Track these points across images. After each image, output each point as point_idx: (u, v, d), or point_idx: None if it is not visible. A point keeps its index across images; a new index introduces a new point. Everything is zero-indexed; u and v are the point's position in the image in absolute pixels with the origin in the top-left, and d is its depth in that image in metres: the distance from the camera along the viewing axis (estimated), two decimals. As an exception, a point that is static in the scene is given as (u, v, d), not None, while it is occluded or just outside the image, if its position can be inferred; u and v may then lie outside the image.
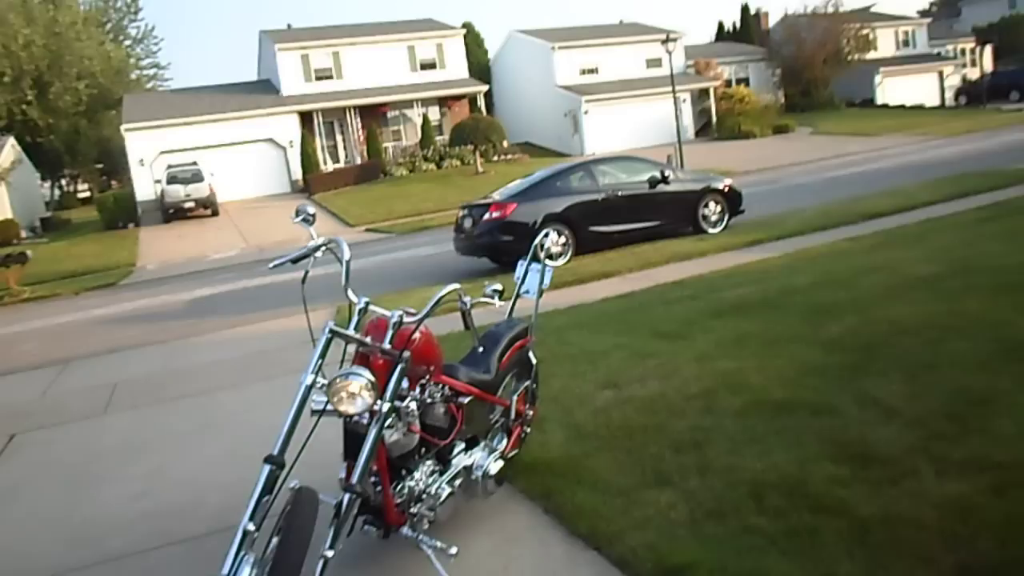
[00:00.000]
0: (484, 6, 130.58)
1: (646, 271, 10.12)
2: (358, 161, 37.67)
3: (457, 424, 3.27)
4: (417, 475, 3.10)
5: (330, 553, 2.59)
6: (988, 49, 53.37)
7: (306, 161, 35.92)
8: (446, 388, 3.23)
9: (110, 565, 3.79)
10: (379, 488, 2.91)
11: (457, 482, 3.30)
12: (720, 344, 5.81)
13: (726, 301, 7.34)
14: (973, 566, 2.66)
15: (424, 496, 3.08)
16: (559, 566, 3.20)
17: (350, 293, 3.00)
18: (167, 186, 30.77)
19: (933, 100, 49.19)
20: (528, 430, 4.10)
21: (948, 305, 5.83)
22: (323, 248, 3.13)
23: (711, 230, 12.86)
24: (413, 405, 2.97)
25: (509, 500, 3.79)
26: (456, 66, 41.44)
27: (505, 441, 3.80)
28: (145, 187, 33.70)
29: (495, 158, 35.70)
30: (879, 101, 47.87)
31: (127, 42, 56.82)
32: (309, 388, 2.74)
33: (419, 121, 38.85)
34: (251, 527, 2.51)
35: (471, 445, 3.52)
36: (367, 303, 3.01)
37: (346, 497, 2.68)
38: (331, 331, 2.81)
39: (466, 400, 3.32)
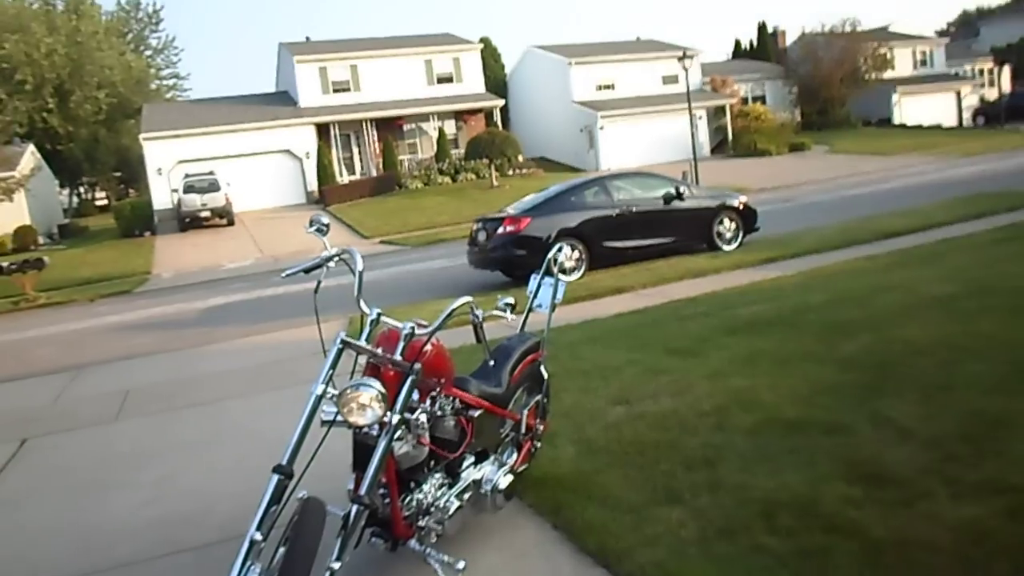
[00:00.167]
0: (501, 21, 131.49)
1: (660, 287, 10.09)
2: (374, 173, 37.85)
3: (467, 437, 3.25)
4: (426, 488, 3.08)
5: (337, 565, 2.58)
6: (1006, 69, 53.09)
7: (322, 172, 36.12)
8: (456, 401, 3.21)
9: (118, 572, 3.79)
10: (387, 500, 2.90)
11: (466, 496, 3.28)
12: (733, 361, 5.78)
13: (740, 318, 7.30)
14: (988, 591, 2.62)
15: (432, 509, 3.06)
16: (567, 582, 3.18)
17: (362, 304, 3.00)
18: (184, 195, 31.01)
19: (950, 120, 49.01)
20: (538, 444, 4.08)
21: (964, 326, 5.78)
22: (336, 258, 3.13)
23: (726, 247, 12.82)
24: (423, 417, 2.95)
25: (518, 515, 3.76)
26: (473, 80, 41.62)
27: (515, 455, 3.78)
28: (162, 196, 33.98)
29: (510, 172, 35.78)
30: (896, 120, 47.75)
31: (148, 52, 57.46)
32: (319, 398, 2.73)
33: (435, 134, 39.02)
34: (258, 536, 2.51)
35: (481, 459, 3.50)
36: (379, 314, 3.01)
37: (354, 509, 2.67)
38: (342, 342, 2.81)
39: (476, 413, 3.30)
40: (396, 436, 2.81)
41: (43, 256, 21.61)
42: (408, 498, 3.00)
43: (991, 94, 52.30)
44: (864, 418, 4.21)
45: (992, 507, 3.09)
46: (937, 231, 11.63)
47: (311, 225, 3.19)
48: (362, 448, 2.86)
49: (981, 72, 56.16)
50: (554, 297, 4.08)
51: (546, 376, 4.08)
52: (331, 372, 2.77)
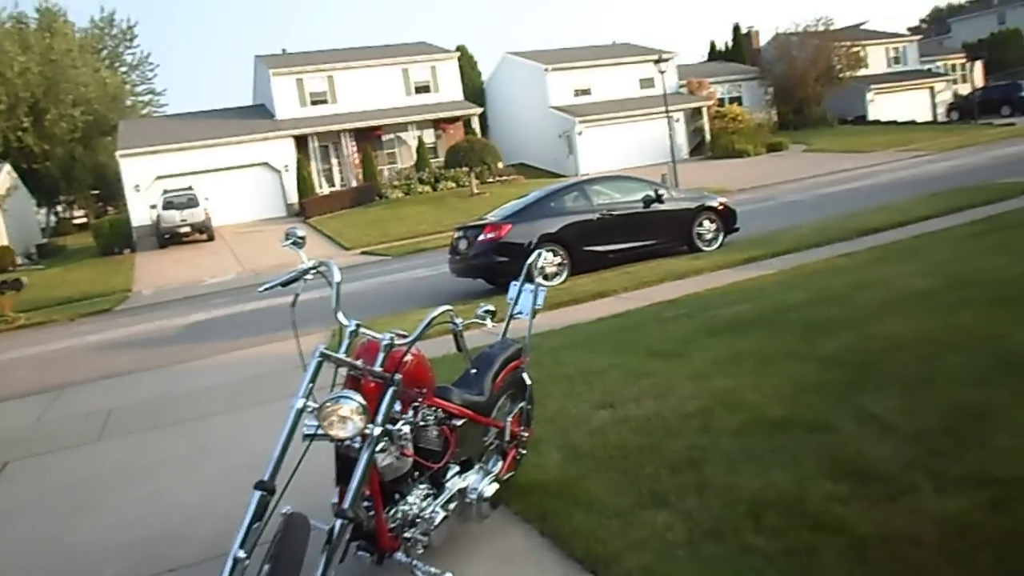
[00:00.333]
0: (477, 29, 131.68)
1: (641, 290, 10.11)
2: (353, 184, 37.79)
3: (451, 447, 3.23)
4: (411, 499, 3.06)
5: (322, 580, 2.56)
6: (978, 65, 53.78)
7: (301, 185, 36.01)
8: (439, 411, 3.19)
9: (102, 594, 3.75)
10: (372, 513, 2.87)
11: (451, 505, 3.26)
12: (716, 362, 5.79)
13: (721, 319, 7.32)
14: (973, 583, 2.63)
15: (418, 520, 3.04)
16: (556, 589, 3.16)
17: (340, 316, 2.98)
18: (163, 211, 30.82)
19: (925, 116, 49.48)
20: (523, 452, 4.07)
21: (944, 320, 5.82)
22: (313, 271, 3.11)
23: (706, 248, 12.88)
24: (406, 428, 2.93)
25: (504, 523, 3.75)
26: (450, 89, 41.65)
27: (500, 463, 3.77)
28: (141, 213, 33.75)
29: (490, 180, 35.81)
30: (871, 118, 48.17)
31: (123, 69, 57.07)
32: (300, 412, 2.71)
33: (414, 144, 39.00)
34: (241, 554, 2.48)
35: (465, 468, 3.49)
36: (358, 326, 2.99)
37: (338, 523, 2.65)
38: (321, 355, 2.79)
39: (460, 422, 3.29)
40: (379, 448, 2.79)
41: (21, 277, 21.40)
42: (393, 510, 2.98)
43: (964, 89, 52.84)
44: (847, 415, 4.23)
45: (976, 499, 3.11)
46: (914, 226, 11.72)
47: (286, 239, 3.17)
48: (345, 461, 2.84)
49: (953, 68, 56.76)
50: (535, 303, 4.07)
51: (529, 382, 4.07)
52: (311, 385, 2.75)
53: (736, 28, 55.64)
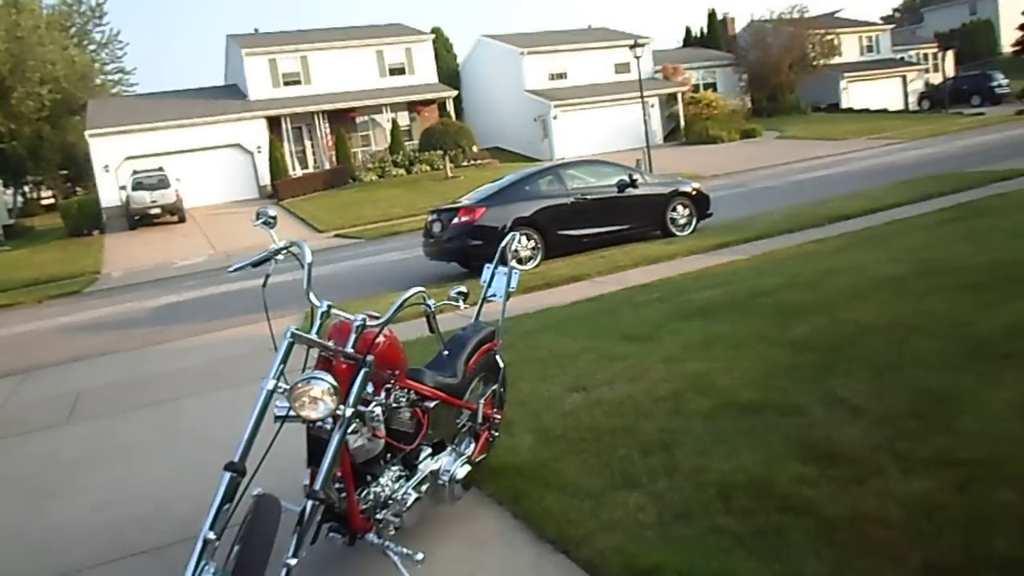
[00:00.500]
0: (453, 11, 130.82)
1: (615, 274, 10.14)
2: (327, 166, 37.48)
3: (423, 429, 3.23)
4: (383, 481, 3.05)
5: (293, 561, 2.54)
6: (950, 54, 54.31)
7: (274, 167, 35.67)
8: (411, 392, 3.19)
9: (70, 577, 3.71)
10: (343, 494, 2.87)
11: (424, 487, 3.25)
12: (688, 346, 5.82)
13: (694, 303, 7.36)
14: (939, 563, 2.67)
15: (390, 502, 3.03)
16: (527, 570, 3.18)
17: (312, 297, 2.96)
18: (132, 192, 30.41)
19: (897, 104, 49.95)
20: (496, 434, 4.07)
21: (913, 305, 5.89)
22: (284, 251, 3.08)
23: (679, 233, 12.94)
24: (378, 410, 2.92)
25: (477, 505, 3.75)
26: (425, 71, 41.40)
27: (472, 445, 3.77)
28: (110, 193, 33.27)
29: (465, 163, 35.70)
30: (844, 105, 48.56)
31: (91, 47, 56.06)
32: (271, 394, 2.69)
33: (388, 126, 38.74)
34: (211, 536, 2.46)
35: (438, 450, 3.48)
36: (329, 307, 2.97)
37: (309, 504, 2.63)
38: (292, 335, 2.76)
39: (432, 404, 3.28)
40: (350, 429, 2.78)
41: (-13, 258, 21.06)
42: (365, 491, 2.97)
43: (935, 79, 53.37)
44: (817, 398, 4.27)
45: (942, 481, 3.16)
46: (885, 213, 11.84)
47: (258, 218, 3.14)
48: (316, 442, 2.83)
49: (926, 57, 57.33)
50: (508, 286, 4.07)
51: (502, 365, 4.07)
52: (282, 367, 2.73)
53: (711, 14, 55.79)
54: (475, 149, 36.92)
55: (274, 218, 3.15)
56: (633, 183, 12.74)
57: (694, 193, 13.41)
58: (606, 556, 3.03)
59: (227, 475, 2.55)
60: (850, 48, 51.43)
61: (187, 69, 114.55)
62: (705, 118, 42.19)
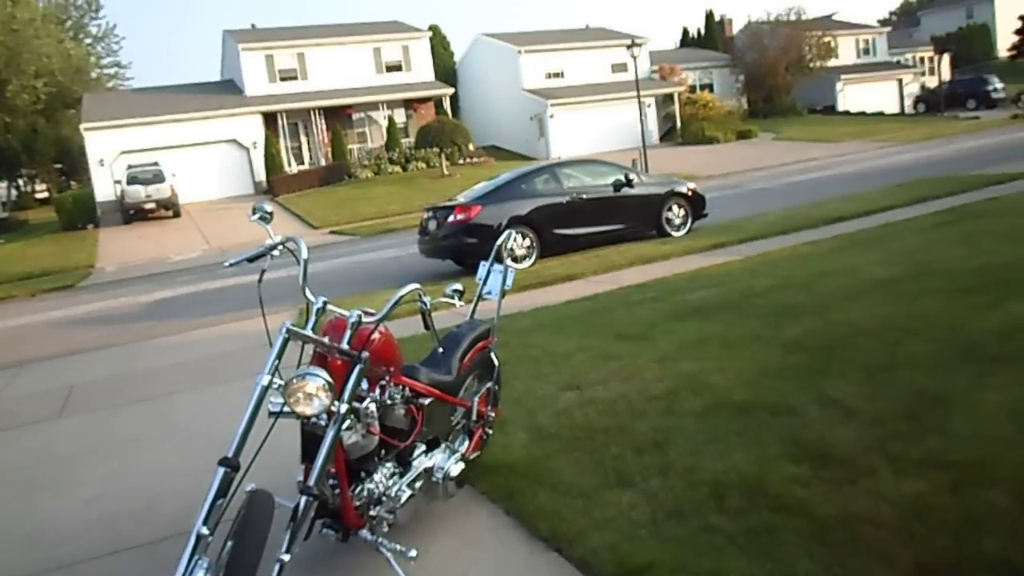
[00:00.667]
0: (450, 9, 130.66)
1: (610, 274, 10.15)
2: (323, 163, 37.44)
3: (417, 426, 3.23)
4: (376, 477, 3.05)
5: (286, 557, 2.54)
6: (946, 58, 54.42)
7: (270, 162, 35.61)
8: (406, 389, 3.19)
9: (64, 572, 3.70)
10: (337, 491, 2.87)
11: (417, 484, 3.26)
12: (682, 346, 5.84)
13: (688, 304, 7.38)
14: (930, 564, 2.68)
15: (384, 498, 3.04)
16: (520, 568, 3.18)
17: (308, 292, 2.96)
18: (127, 187, 30.33)
19: (893, 107, 50.09)
20: (490, 432, 4.08)
21: (906, 307, 5.91)
22: (280, 247, 3.08)
23: (675, 233, 12.95)
24: (372, 406, 2.92)
25: (470, 502, 3.76)
26: (422, 68, 41.37)
27: (466, 443, 3.78)
28: (105, 187, 33.18)
29: (461, 161, 35.69)
30: (840, 108, 48.67)
31: (87, 40, 55.86)
32: (265, 389, 2.68)
33: (384, 123, 38.71)
34: (205, 531, 2.46)
35: (432, 447, 3.49)
36: (325, 303, 2.97)
37: (303, 500, 2.63)
38: (288, 331, 2.76)
39: (426, 401, 3.29)
40: (345, 426, 2.78)
41: (-20, 251, 20.99)
42: (359, 488, 2.98)
43: (931, 82, 53.49)
44: (810, 399, 4.28)
45: (934, 483, 3.17)
46: (880, 216, 11.86)
47: (254, 213, 3.14)
48: (310, 439, 2.83)
49: (922, 60, 57.44)
50: (503, 284, 4.07)
51: (497, 363, 4.08)
52: (277, 362, 2.72)
53: (709, 15, 55.91)
54: (471, 147, 36.90)
55: (270, 214, 3.15)
56: (629, 183, 12.74)
57: (690, 193, 13.42)
58: (599, 554, 3.04)
59: (221, 470, 2.55)
60: (847, 51, 51.54)
61: (183, 64, 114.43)
62: (701, 119, 42.23)
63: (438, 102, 40.98)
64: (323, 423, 2.74)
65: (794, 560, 2.80)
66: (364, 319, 2.88)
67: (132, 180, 30.40)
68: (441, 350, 3.66)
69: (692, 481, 3.52)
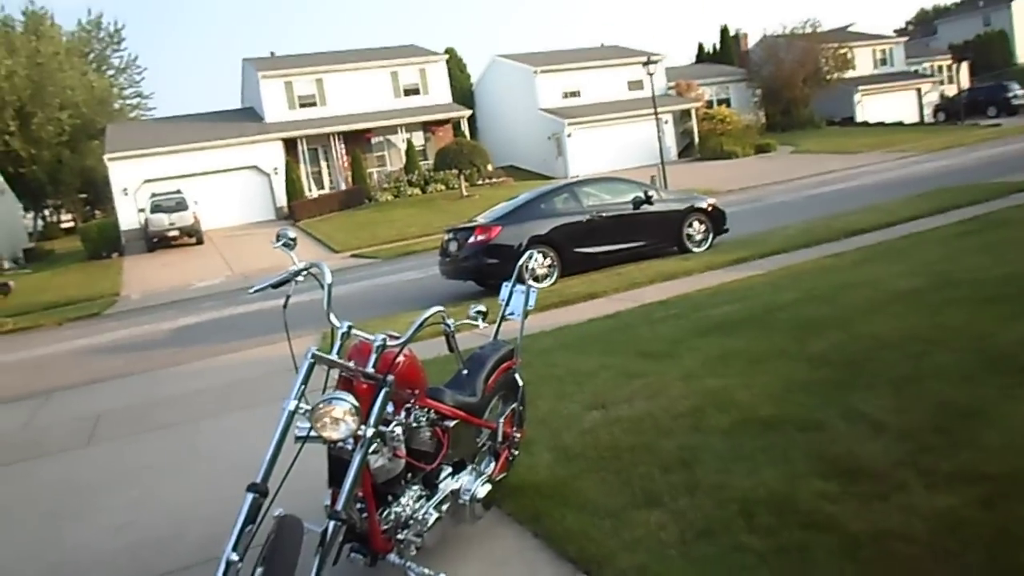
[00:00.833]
0: (467, 32, 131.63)
1: (631, 291, 10.13)
2: (343, 187, 37.69)
3: (443, 448, 3.23)
4: (403, 500, 3.06)
5: (316, 582, 2.55)
6: (964, 66, 54.08)
7: (291, 188, 35.90)
8: (431, 412, 3.19)
9: (92, 599, 3.73)
10: (365, 515, 2.87)
11: (444, 507, 3.25)
12: (706, 362, 5.81)
13: (711, 319, 7.35)
14: (964, 580, 2.64)
15: (411, 522, 3.04)
16: (549, 590, 3.17)
17: (332, 317, 2.98)
18: (151, 215, 30.68)
19: (912, 117, 49.79)
20: (516, 453, 4.07)
21: (931, 319, 5.86)
22: (304, 272, 3.11)
23: (695, 249, 12.91)
24: (398, 430, 2.93)
25: (497, 524, 3.75)
26: (439, 91, 41.64)
27: (492, 464, 3.77)
28: (129, 216, 33.59)
29: (480, 182, 35.81)
30: (859, 119, 48.43)
31: (110, 72, 56.84)
32: (292, 414, 2.70)
33: (403, 146, 38.95)
34: (234, 557, 2.47)
35: (458, 469, 3.49)
36: (349, 327, 2.99)
37: (331, 524, 2.64)
38: (313, 356, 2.78)
39: (452, 423, 3.29)
40: (371, 449, 2.79)
41: (8, 281, 21.30)
42: (386, 511, 2.98)
43: (950, 91, 53.16)
44: (837, 413, 4.25)
45: (966, 497, 3.13)
46: (902, 227, 11.78)
47: (277, 240, 3.17)
48: (337, 463, 2.83)
49: (940, 69, 57.15)
50: (526, 304, 4.08)
51: (521, 384, 4.07)
52: (303, 387, 2.74)
53: (724, 30, 55.86)
54: (490, 168, 37.01)
55: (294, 239, 3.17)
56: (649, 200, 12.74)
57: (710, 209, 13.39)
58: None
59: (249, 496, 2.56)
60: (864, 61, 51.37)
61: (204, 93, 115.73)
62: (719, 133, 42.18)
63: (456, 124, 41.21)
64: (350, 447, 2.75)
65: (826, 578, 2.77)
66: (389, 342, 2.89)
67: (155, 208, 30.76)
68: (465, 372, 3.67)
69: (721, 499, 3.49)
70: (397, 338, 2.93)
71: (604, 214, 12.57)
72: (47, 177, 45.69)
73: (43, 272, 30.20)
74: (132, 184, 34.05)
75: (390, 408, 2.92)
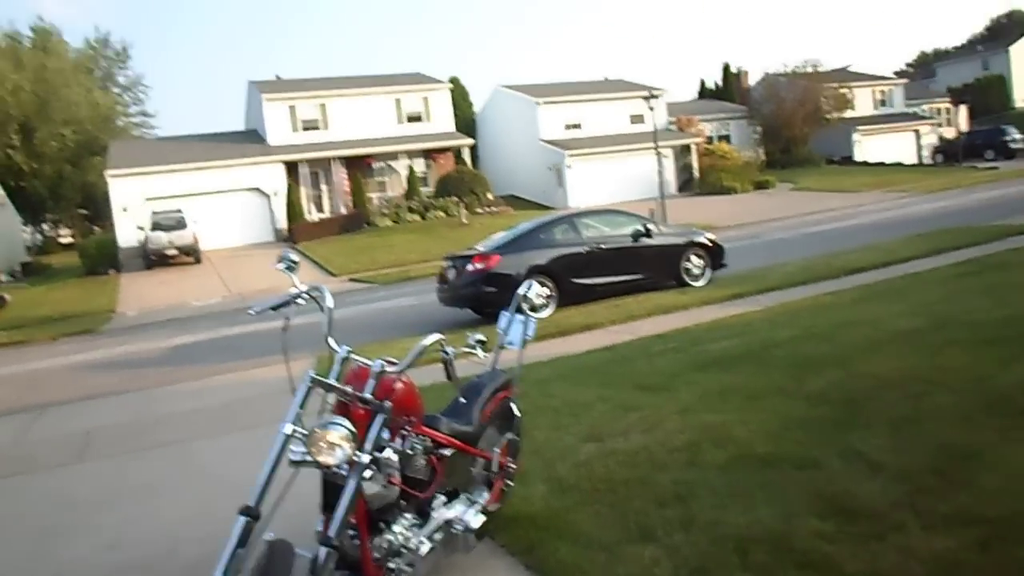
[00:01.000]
0: (470, 61, 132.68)
1: (629, 324, 10.12)
2: (343, 211, 37.76)
3: (438, 476, 3.21)
4: (396, 528, 3.02)
5: (305, 609, 2.52)
6: (963, 109, 54.50)
7: (291, 210, 35.97)
8: (427, 440, 3.17)
9: (77, 620, 3.68)
10: (357, 542, 2.84)
11: (437, 536, 3.23)
12: (703, 397, 5.79)
13: (709, 354, 7.33)
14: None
15: (403, 550, 3.01)
16: (541, 623, 3.13)
17: (331, 342, 2.97)
18: (150, 233, 30.71)
19: (910, 158, 50.09)
20: (510, 483, 4.04)
21: (930, 359, 5.85)
22: (305, 295, 3.10)
23: (694, 283, 12.92)
24: (394, 456, 2.91)
25: (490, 555, 3.71)
26: (442, 119, 41.87)
27: (487, 494, 3.74)
28: (128, 233, 33.57)
29: (479, 210, 35.90)
30: (858, 158, 48.71)
31: (115, 90, 57.25)
32: (288, 438, 2.68)
33: (404, 172, 39.10)
34: (224, 581, 2.44)
35: (452, 498, 3.46)
36: (348, 352, 2.97)
37: (322, 551, 2.61)
38: (312, 380, 2.77)
39: (447, 452, 3.27)
40: (366, 476, 2.76)
41: (4, 294, 21.22)
42: (378, 539, 2.95)
43: (949, 133, 53.55)
44: (834, 452, 4.22)
45: (964, 539, 3.11)
46: (900, 266, 11.81)
47: (280, 262, 3.17)
48: (331, 488, 2.81)
49: (939, 112, 57.64)
50: (525, 334, 4.07)
51: (517, 414, 4.05)
52: (300, 411, 2.73)
53: (726, 68, 56.41)
54: (490, 196, 37.15)
55: (296, 262, 3.17)
56: (648, 233, 12.78)
57: (708, 244, 13.42)
58: (621, 610, 2.99)
59: (242, 519, 2.54)
60: (863, 102, 51.81)
61: (208, 113, 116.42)
62: (719, 169, 42.37)
63: (457, 152, 41.40)
64: (344, 473, 2.72)
65: (822, 619, 2.74)
66: (387, 368, 2.88)
67: (155, 226, 30.79)
68: (462, 400, 3.65)
69: (716, 536, 3.46)
70: (395, 364, 2.91)
71: (603, 246, 12.59)
72: (48, 191, 45.84)
73: (39, 286, 30.13)
74: (132, 201, 34.08)
75: (386, 434, 2.90)
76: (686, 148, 44.35)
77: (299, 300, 3.11)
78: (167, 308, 22.64)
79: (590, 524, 3.80)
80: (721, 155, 44.20)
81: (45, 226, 52.80)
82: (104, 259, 31.94)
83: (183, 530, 4.61)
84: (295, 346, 3.15)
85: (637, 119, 43.07)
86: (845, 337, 7.16)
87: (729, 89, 54.63)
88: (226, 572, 2.46)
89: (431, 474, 3.18)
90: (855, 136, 49.03)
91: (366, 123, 39.53)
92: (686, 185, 43.62)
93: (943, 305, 8.08)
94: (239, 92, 65.86)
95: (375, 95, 40.51)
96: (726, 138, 48.26)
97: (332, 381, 2.83)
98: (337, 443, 2.59)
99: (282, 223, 36.19)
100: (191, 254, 31.12)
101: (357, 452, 2.67)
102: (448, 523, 3.31)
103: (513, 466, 4.02)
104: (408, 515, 3.12)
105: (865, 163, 47.67)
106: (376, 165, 39.64)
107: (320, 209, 38.73)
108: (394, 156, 39.74)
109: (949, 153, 47.57)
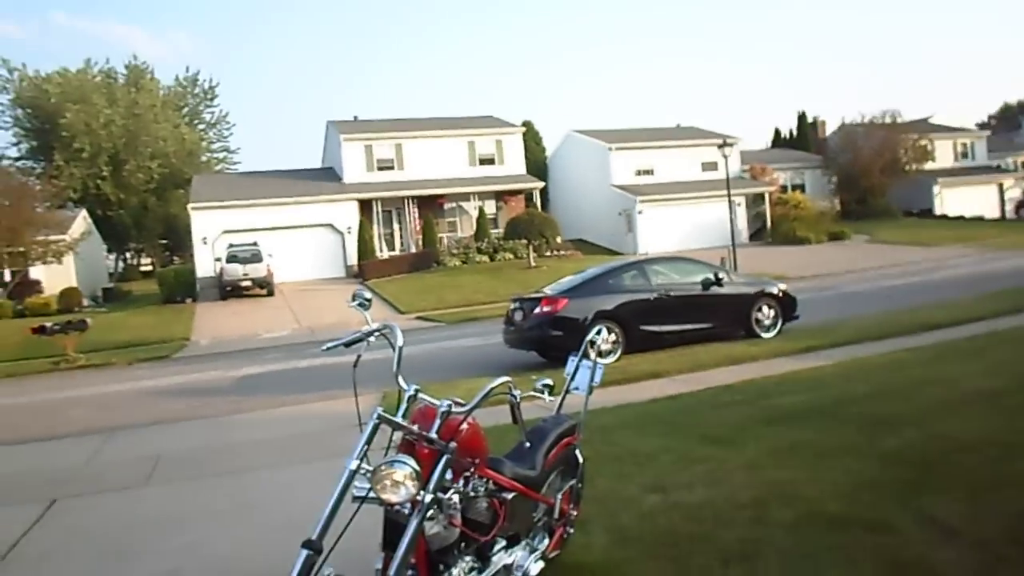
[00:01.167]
0: (544, 106, 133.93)
1: (696, 373, 9.97)
2: (413, 249, 38.32)
3: (499, 520, 3.18)
4: (455, 571, 3.00)
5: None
6: (1049, 162, 52.96)
7: (363, 247, 36.64)
8: (490, 482, 3.15)
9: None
10: (416, 582, 2.83)
11: (495, 580, 3.19)
12: (772, 452, 5.65)
13: (778, 408, 7.18)
14: None
15: (462, 594, 2.98)
16: (597, 677, 3.06)
17: (400, 380, 3.00)
18: (227, 264, 31.59)
19: (992, 212, 48.69)
20: (571, 531, 3.99)
21: (1010, 421, 5.64)
22: (376, 333, 3.14)
23: (764, 335, 12.69)
24: (456, 498, 2.90)
25: (548, 603, 3.65)
26: (514, 162, 42.34)
27: (547, 541, 3.70)
28: (206, 264, 34.64)
29: (548, 253, 36.01)
30: (937, 211, 47.52)
31: (201, 126, 59.37)
32: (353, 473, 2.70)
33: (475, 214, 39.55)
34: (284, 614, 2.46)
35: (512, 543, 3.42)
36: (416, 390, 2.99)
37: (382, 589, 2.61)
38: (379, 417, 2.79)
39: (510, 496, 3.24)
40: (428, 516, 2.76)
41: (86, 318, 21.97)
42: (437, 581, 2.93)
43: (1033, 187, 51.92)
44: (908, 516, 4.08)
45: (1046, 617, 2.96)
46: (980, 324, 11.42)
47: (353, 299, 3.22)
48: (393, 526, 2.81)
49: (1023, 165, 55.93)
50: (592, 380, 4.05)
51: (581, 460, 4.02)
52: (366, 447, 2.75)
53: (801, 116, 55.91)
54: (559, 240, 37.26)
55: (369, 300, 3.22)
56: (718, 281, 12.63)
57: (780, 294, 13.20)
58: (681, 669, 2.91)
59: (304, 552, 2.55)
60: (944, 153, 50.64)
61: (287, 150, 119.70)
62: (792, 219, 41.81)
63: (528, 195, 41.72)
64: (407, 511, 2.73)
65: None
66: (454, 408, 2.89)
67: (231, 258, 31.67)
68: (527, 444, 3.63)
69: (781, 597, 3.36)
70: (462, 405, 2.92)
71: (672, 293, 12.48)
72: (132, 221, 47.63)
73: (119, 312, 31.16)
74: (211, 233, 35.18)
75: (449, 475, 2.90)
76: (759, 196, 43.91)
77: (371, 338, 3.15)
78: (239, 338, 23.15)
79: (651, 577, 3.72)
80: (795, 204, 43.64)
81: (127, 254, 54.77)
82: (181, 288, 32.95)
83: (242, 560, 4.66)
84: (361, 381, 3.19)
85: (709, 166, 42.86)
86: (921, 396, 6.94)
87: (804, 138, 54.08)
88: (287, 605, 2.47)
89: (493, 517, 3.16)
90: (935, 188, 47.89)
91: (439, 164, 40.20)
92: (758, 234, 43.10)
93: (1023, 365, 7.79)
94: (318, 130, 67.73)
95: (449, 137, 41.23)
96: (800, 187, 47.68)
97: (399, 419, 2.84)
98: (402, 481, 2.60)
99: (353, 259, 36.88)
100: (264, 286, 31.87)
101: (421, 491, 2.67)
102: (507, 568, 3.27)
103: (575, 513, 3.98)
104: (467, 558, 3.09)
105: (944, 216, 46.49)
106: (447, 205, 40.19)
107: (391, 247, 39.37)
108: (465, 197, 40.28)
109: (1033, 208, 46.10)
